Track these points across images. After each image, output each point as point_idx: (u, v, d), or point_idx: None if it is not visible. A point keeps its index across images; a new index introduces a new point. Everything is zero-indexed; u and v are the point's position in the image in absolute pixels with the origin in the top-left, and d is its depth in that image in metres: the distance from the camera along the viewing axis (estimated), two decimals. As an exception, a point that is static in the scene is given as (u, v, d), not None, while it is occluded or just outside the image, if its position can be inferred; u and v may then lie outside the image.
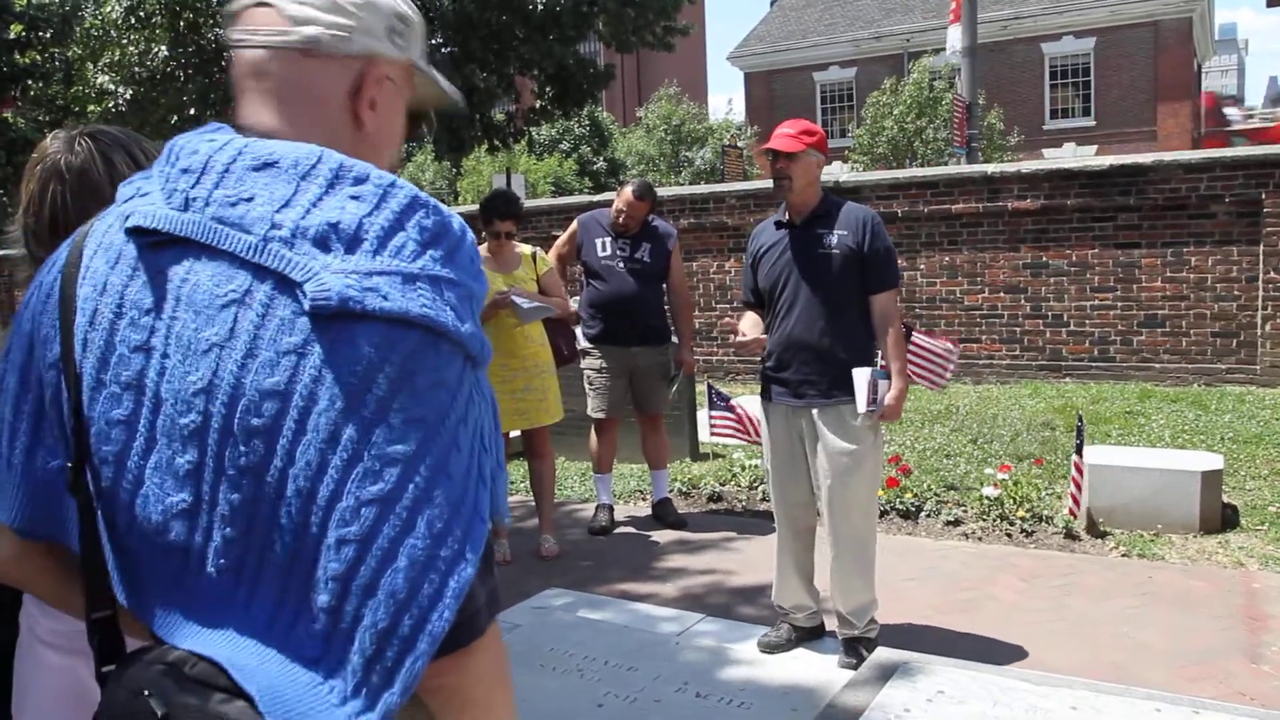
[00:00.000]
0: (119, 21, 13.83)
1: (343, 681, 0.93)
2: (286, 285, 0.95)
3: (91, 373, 1.02)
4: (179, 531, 0.98)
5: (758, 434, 6.02)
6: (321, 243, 0.95)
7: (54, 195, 1.57)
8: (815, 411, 3.62)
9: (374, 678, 0.92)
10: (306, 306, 0.93)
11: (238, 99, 1.11)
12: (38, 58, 14.05)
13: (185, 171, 1.02)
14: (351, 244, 0.95)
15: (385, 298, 0.93)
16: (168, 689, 0.95)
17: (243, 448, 0.94)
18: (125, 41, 13.81)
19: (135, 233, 1.02)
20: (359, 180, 0.99)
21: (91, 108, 14.21)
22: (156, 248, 1.01)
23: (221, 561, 0.97)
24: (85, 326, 1.02)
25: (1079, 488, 4.90)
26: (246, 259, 0.96)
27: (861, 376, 3.51)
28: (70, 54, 14.66)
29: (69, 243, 1.11)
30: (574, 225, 5.59)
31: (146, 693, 0.95)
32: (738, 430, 6.12)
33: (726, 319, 10.58)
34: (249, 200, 0.98)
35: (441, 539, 0.92)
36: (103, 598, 1.05)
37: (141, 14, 13.64)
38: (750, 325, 3.80)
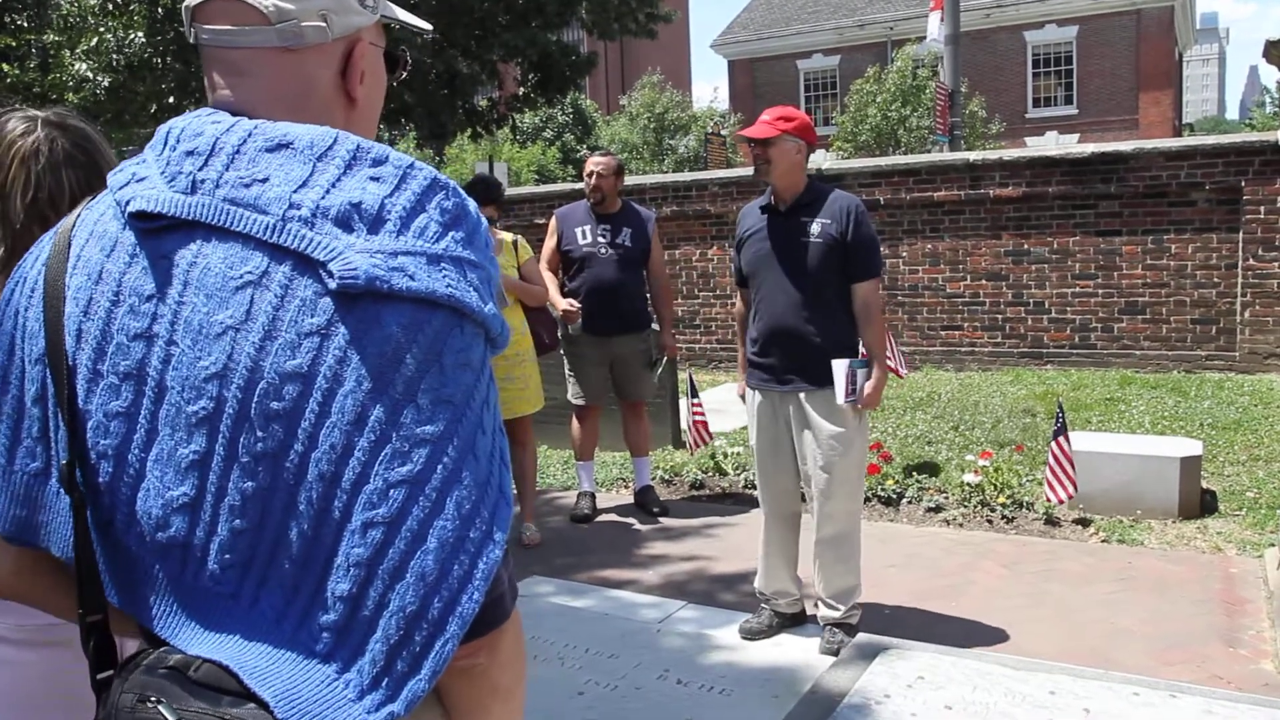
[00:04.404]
0: (95, 8, 13.68)
1: (358, 675, 0.91)
2: (307, 265, 0.92)
3: (88, 364, 0.98)
4: (179, 527, 0.96)
5: (703, 441, 6.09)
6: (343, 223, 0.93)
7: (31, 177, 1.55)
8: (803, 395, 3.62)
9: (399, 665, 0.90)
10: (333, 286, 0.90)
11: (214, 92, 1.07)
12: (11, 43, 13.88)
13: (190, 154, 0.99)
14: (374, 224, 0.93)
15: (412, 278, 0.91)
16: (175, 695, 0.93)
17: (260, 433, 0.91)
18: (102, 28, 13.65)
19: (136, 218, 0.98)
20: (378, 161, 0.97)
21: (70, 96, 14.04)
22: (158, 233, 0.97)
23: (226, 556, 0.94)
24: (79, 317, 0.99)
25: (1055, 475, 4.91)
26: (263, 240, 0.93)
27: (840, 368, 3.52)
28: (47, 41, 14.49)
29: (50, 235, 1.07)
30: (552, 222, 5.55)
31: (155, 699, 0.93)
32: (702, 431, 6.17)
33: (709, 307, 10.58)
34: (264, 181, 0.95)
35: (470, 520, 0.91)
36: (96, 601, 1.02)
37: (119, 0, 13.50)
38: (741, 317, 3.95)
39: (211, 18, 1.05)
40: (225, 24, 1.05)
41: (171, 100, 14.03)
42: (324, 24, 1.06)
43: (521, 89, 15.57)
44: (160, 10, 13.33)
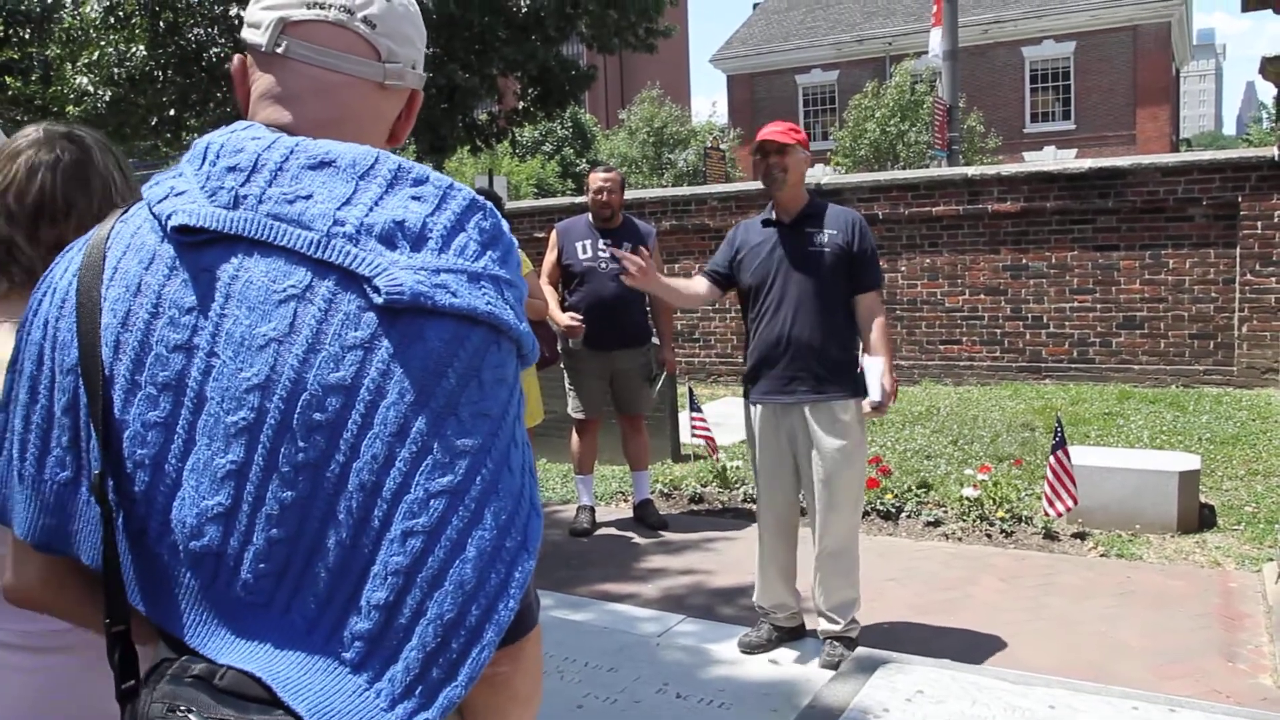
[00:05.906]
0: (98, 21, 13.73)
1: (389, 684, 0.93)
2: (351, 281, 0.94)
3: (125, 375, 0.99)
4: (213, 536, 0.97)
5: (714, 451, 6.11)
6: (387, 240, 0.95)
7: (34, 187, 1.56)
8: (807, 409, 3.63)
9: (434, 672, 0.92)
10: (380, 301, 0.92)
11: (279, 103, 1.08)
12: (15, 56, 13.93)
13: (233, 170, 1.00)
14: (417, 242, 0.96)
15: (455, 294, 0.94)
16: (205, 704, 0.94)
17: (301, 443, 0.93)
18: (104, 42, 13.70)
19: (178, 231, 1.00)
20: (419, 181, 1.00)
21: (70, 108, 14.08)
22: (198, 246, 0.99)
23: (261, 565, 0.95)
24: (117, 328, 1.00)
25: (1054, 489, 4.92)
26: (307, 255, 0.95)
27: (874, 366, 3.59)
28: (49, 54, 14.54)
29: (81, 246, 1.08)
30: (553, 236, 5.56)
31: (185, 708, 0.94)
32: (709, 440, 6.18)
33: (708, 321, 10.59)
34: (307, 198, 0.97)
35: (506, 530, 0.94)
36: (121, 611, 1.03)
37: (120, 14, 13.55)
38: (682, 285, 4.01)
39: (316, 37, 1.08)
40: (333, 48, 1.08)
41: (172, 113, 14.08)
42: (416, 69, 1.14)
43: (521, 103, 15.64)
44: (162, 24, 13.39)
